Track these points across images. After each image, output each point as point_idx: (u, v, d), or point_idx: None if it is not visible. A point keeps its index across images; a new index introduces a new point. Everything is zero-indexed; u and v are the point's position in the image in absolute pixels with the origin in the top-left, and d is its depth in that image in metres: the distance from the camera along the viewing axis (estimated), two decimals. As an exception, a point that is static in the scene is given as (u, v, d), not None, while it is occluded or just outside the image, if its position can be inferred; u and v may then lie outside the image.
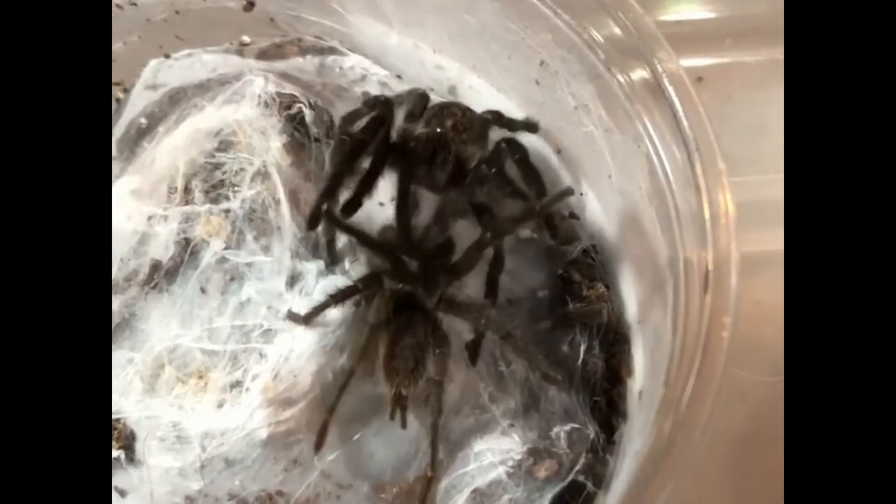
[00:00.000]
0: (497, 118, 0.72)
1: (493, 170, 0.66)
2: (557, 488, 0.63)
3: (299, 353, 0.61)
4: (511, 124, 0.73)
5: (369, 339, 0.59)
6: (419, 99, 0.73)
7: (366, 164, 0.65)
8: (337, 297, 0.61)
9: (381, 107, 0.69)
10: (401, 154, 0.65)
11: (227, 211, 0.65)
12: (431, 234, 0.64)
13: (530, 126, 0.75)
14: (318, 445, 0.59)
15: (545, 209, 0.64)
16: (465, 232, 0.66)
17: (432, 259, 0.63)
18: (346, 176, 0.62)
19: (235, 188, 0.66)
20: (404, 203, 0.63)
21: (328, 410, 0.59)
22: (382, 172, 0.64)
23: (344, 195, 0.64)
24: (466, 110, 0.72)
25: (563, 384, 0.65)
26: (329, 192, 0.62)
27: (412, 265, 0.63)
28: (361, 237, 0.63)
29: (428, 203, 0.67)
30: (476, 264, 0.64)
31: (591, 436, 0.65)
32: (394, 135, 0.68)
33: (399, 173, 0.64)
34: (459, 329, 0.64)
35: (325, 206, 0.62)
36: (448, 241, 0.65)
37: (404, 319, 0.61)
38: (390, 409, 0.60)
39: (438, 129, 0.68)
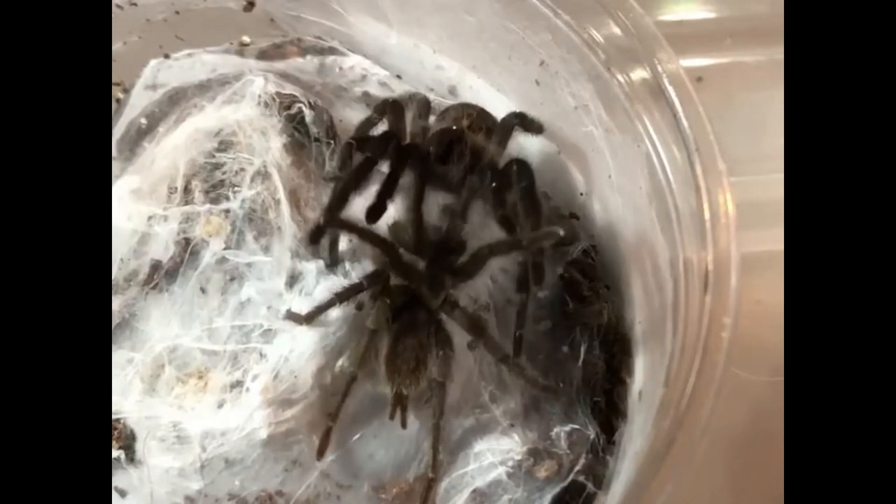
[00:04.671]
0: (521, 121, 0.72)
1: (494, 185, 0.65)
2: (557, 489, 0.63)
3: (299, 353, 0.61)
4: (531, 126, 0.73)
5: (368, 345, 0.59)
6: (421, 103, 0.73)
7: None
8: (341, 296, 0.61)
9: (390, 111, 0.69)
10: (415, 154, 0.65)
11: (227, 211, 0.65)
12: (443, 234, 0.64)
13: (538, 127, 0.75)
14: (321, 452, 0.59)
15: (531, 245, 0.61)
16: (475, 233, 0.66)
17: (441, 259, 0.63)
18: (352, 193, 0.62)
19: (235, 188, 0.66)
20: (419, 204, 0.63)
21: (331, 417, 0.59)
22: (402, 175, 0.64)
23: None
24: (482, 111, 0.72)
25: (563, 398, 0.66)
26: (334, 209, 0.62)
27: (419, 264, 0.63)
28: (372, 238, 0.63)
29: (435, 201, 0.67)
30: (482, 269, 0.64)
31: (591, 436, 0.65)
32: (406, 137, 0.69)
33: (414, 173, 0.64)
34: (461, 329, 0.64)
35: (332, 218, 0.62)
36: (459, 241, 0.65)
37: (407, 319, 0.61)
38: (391, 409, 0.60)
39: (455, 127, 0.68)
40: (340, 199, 0.62)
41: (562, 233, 0.59)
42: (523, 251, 0.62)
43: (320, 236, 0.63)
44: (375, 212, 0.62)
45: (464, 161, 0.66)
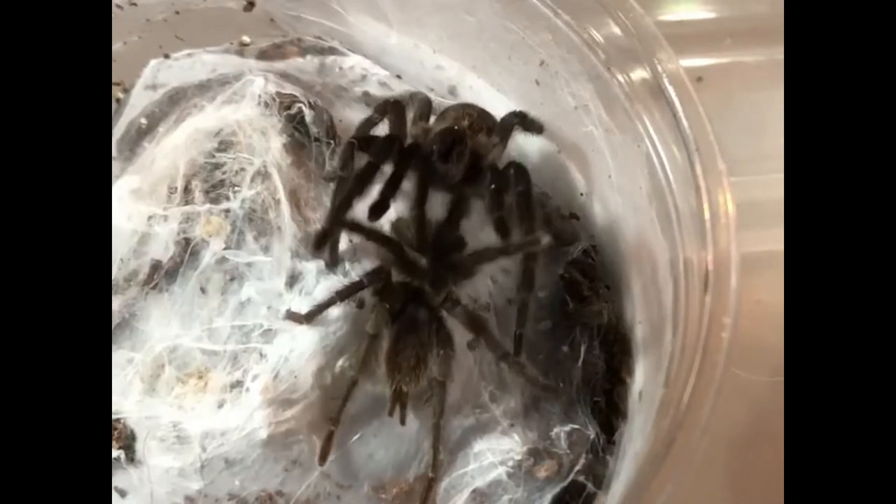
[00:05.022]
0: (521, 120, 0.72)
1: (493, 186, 0.65)
2: (557, 489, 0.63)
3: (299, 353, 0.61)
4: (532, 126, 0.73)
5: (368, 350, 0.59)
6: (423, 103, 0.73)
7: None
8: (342, 293, 0.61)
9: (391, 111, 0.69)
10: (418, 154, 0.65)
11: (227, 211, 0.65)
12: (443, 232, 0.64)
13: (538, 127, 0.75)
14: (323, 457, 0.59)
15: (518, 251, 0.62)
16: (474, 233, 0.66)
17: (443, 256, 0.63)
18: (356, 198, 0.62)
19: (235, 188, 0.66)
20: (422, 203, 0.63)
21: (332, 421, 0.59)
22: (405, 175, 0.64)
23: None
24: (482, 112, 0.72)
25: (563, 397, 0.66)
26: (338, 215, 0.62)
27: (422, 261, 0.63)
28: (378, 237, 0.63)
29: (436, 200, 0.67)
30: (476, 271, 0.64)
31: (591, 436, 0.65)
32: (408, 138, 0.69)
33: (417, 173, 0.64)
34: (461, 328, 0.64)
35: (336, 223, 0.62)
36: (459, 238, 0.65)
37: (409, 316, 0.61)
38: (389, 406, 0.60)
39: (456, 128, 0.68)
40: (344, 204, 0.62)
41: (545, 240, 0.59)
42: (512, 255, 0.63)
43: (325, 242, 0.63)
44: (378, 209, 0.62)
45: (463, 161, 0.66)
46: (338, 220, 0.62)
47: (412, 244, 0.64)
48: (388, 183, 0.63)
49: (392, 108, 0.69)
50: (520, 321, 0.65)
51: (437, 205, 0.66)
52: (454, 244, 0.64)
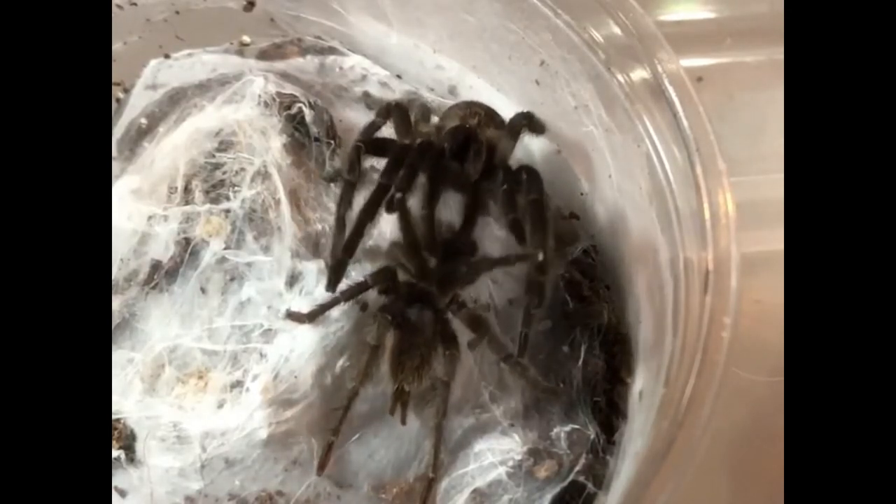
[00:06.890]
0: (529, 121, 0.72)
1: (506, 187, 0.64)
2: (558, 488, 0.63)
3: (299, 353, 0.61)
4: (536, 127, 0.73)
5: (370, 361, 0.59)
6: (422, 108, 0.73)
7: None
8: (346, 294, 0.61)
9: (395, 114, 0.69)
10: (431, 152, 0.65)
11: (227, 211, 0.65)
12: (458, 235, 0.64)
13: (541, 128, 0.75)
14: (322, 466, 0.59)
15: (518, 261, 0.62)
16: (481, 228, 0.66)
17: (452, 259, 0.63)
18: (369, 225, 0.61)
19: (235, 188, 0.66)
20: (432, 203, 0.63)
21: (333, 431, 0.59)
22: (420, 169, 0.63)
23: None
24: (489, 110, 0.72)
25: (563, 398, 0.66)
26: (352, 245, 0.61)
27: (431, 262, 0.63)
28: (406, 223, 0.62)
29: (446, 200, 0.66)
30: (486, 270, 0.64)
31: (592, 436, 0.65)
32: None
33: (428, 172, 0.63)
34: (461, 329, 0.64)
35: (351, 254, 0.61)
36: (471, 243, 0.64)
37: (414, 317, 0.61)
38: (391, 405, 0.60)
39: (467, 125, 0.68)
40: (357, 232, 0.61)
41: (540, 258, 0.59)
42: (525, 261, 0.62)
43: (342, 273, 0.62)
44: (393, 203, 0.61)
45: (480, 159, 0.66)
46: (352, 249, 0.61)
47: (420, 245, 0.64)
48: (403, 177, 0.61)
49: (396, 111, 0.69)
50: (525, 321, 0.64)
51: (447, 204, 0.66)
52: (466, 248, 0.64)
